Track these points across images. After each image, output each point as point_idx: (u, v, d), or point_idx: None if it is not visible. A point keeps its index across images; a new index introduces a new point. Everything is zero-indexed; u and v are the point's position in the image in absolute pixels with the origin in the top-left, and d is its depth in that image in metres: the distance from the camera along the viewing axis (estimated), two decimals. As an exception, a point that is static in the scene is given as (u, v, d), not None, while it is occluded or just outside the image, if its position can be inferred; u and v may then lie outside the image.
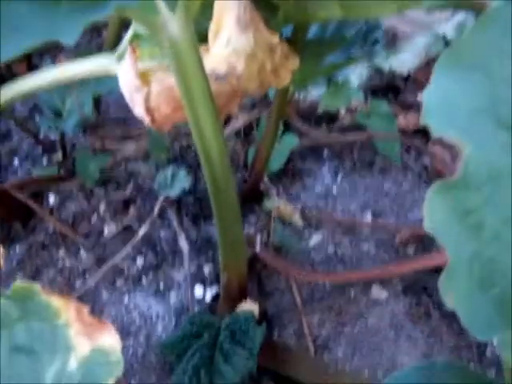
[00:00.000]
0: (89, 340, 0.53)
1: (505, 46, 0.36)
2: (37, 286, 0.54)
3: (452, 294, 0.31)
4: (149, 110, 0.70)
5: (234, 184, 0.74)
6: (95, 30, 1.82)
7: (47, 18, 0.46)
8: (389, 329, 0.96)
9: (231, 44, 0.70)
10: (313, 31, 0.92)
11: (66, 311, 0.54)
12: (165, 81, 0.72)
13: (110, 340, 0.54)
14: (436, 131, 0.33)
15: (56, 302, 0.54)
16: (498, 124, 0.35)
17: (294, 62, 0.75)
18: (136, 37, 0.80)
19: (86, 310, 0.54)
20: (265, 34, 0.72)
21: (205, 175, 0.72)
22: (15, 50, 0.42)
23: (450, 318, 0.95)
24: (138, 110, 0.71)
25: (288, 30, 0.84)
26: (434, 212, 0.32)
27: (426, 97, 0.34)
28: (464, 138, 0.34)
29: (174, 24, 0.61)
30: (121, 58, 0.78)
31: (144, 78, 0.74)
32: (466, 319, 0.30)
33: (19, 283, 0.54)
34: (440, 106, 0.35)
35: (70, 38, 0.42)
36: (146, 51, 0.79)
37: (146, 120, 0.71)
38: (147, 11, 0.61)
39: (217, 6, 0.72)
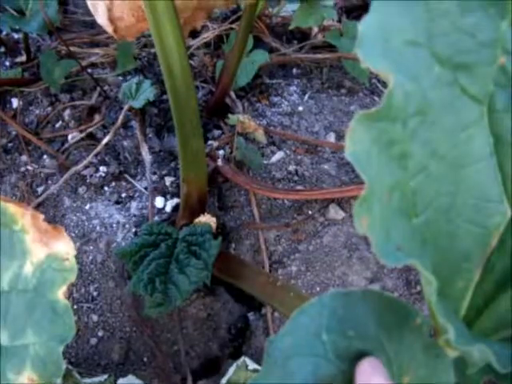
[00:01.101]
0: (44, 246, 0.55)
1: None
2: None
3: (366, 219, 0.32)
4: (112, 20, 0.69)
5: (195, 97, 0.74)
6: None
7: None
8: (342, 248, 0.98)
9: (198, -46, 0.69)
10: None
11: (23, 217, 0.55)
12: (129, -12, 0.71)
13: (64, 247, 0.55)
14: (366, 61, 0.33)
15: (13, 208, 0.55)
16: (434, 58, 0.35)
17: (262, -23, 0.74)
18: None
19: (41, 217, 0.55)
20: None
21: (166, 87, 0.72)
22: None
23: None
24: (101, 19, 0.70)
25: None
26: (355, 141, 0.32)
27: (361, 26, 0.34)
28: (394, 69, 0.34)
29: None
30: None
31: (108, -16, 0.72)
32: (378, 245, 0.32)
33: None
34: (375, 36, 0.34)
35: None
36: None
37: (109, 29, 0.70)
38: None
39: None
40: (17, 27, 1.09)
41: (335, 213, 1.02)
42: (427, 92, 0.35)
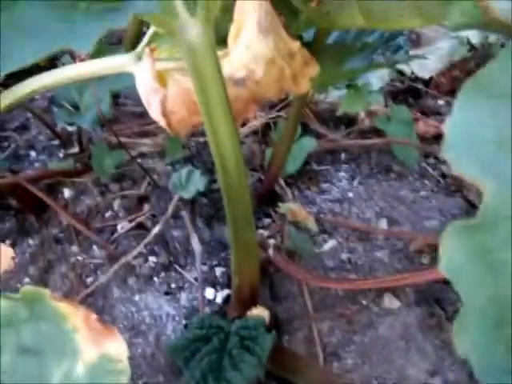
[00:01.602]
0: (96, 346, 0.53)
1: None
2: (45, 291, 0.54)
3: (464, 338, 0.30)
4: (165, 113, 0.70)
5: (248, 190, 0.73)
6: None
7: (63, 24, 0.45)
8: (399, 339, 0.94)
9: (251, 49, 0.69)
10: (334, 35, 0.91)
11: (74, 316, 0.54)
12: (182, 83, 0.71)
13: (117, 348, 0.53)
14: (457, 168, 0.32)
15: (64, 306, 0.54)
16: None
17: (314, 69, 0.74)
18: (155, 36, 0.79)
19: (94, 316, 0.54)
20: (285, 39, 0.71)
21: (219, 179, 0.71)
22: (30, 57, 0.42)
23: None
24: (155, 113, 0.71)
25: (309, 34, 0.82)
26: (450, 255, 0.31)
27: (447, 129, 0.33)
28: (486, 174, 0.32)
29: (192, 28, 0.60)
30: (139, 57, 0.77)
31: (161, 79, 0.73)
32: (478, 367, 0.29)
33: (28, 287, 0.53)
34: (462, 139, 0.33)
35: (85, 45, 0.41)
36: (165, 51, 0.78)
37: (162, 123, 0.70)
38: (166, 14, 0.60)
39: (237, 9, 0.71)
40: (72, 122, 1.12)
41: (390, 302, 0.99)
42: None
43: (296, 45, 0.71)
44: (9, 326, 0.53)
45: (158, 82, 0.71)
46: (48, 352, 0.53)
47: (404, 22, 0.57)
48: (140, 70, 0.74)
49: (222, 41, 0.73)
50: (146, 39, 0.79)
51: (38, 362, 0.53)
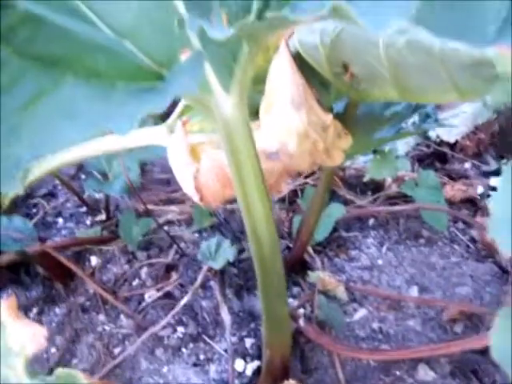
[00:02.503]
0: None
1: None
2: (78, 373, 0.53)
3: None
4: (198, 187, 0.70)
5: (281, 264, 0.72)
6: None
7: (102, 106, 0.45)
8: (437, 413, 0.91)
9: (283, 122, 0.70)
10: (363, 105, 0.92)
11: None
12: (215, 157, 0.72)
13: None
14: (505, 249, 0.31)
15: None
16: None
17: (347, 142, 0.74)
18: (187, 108, 0.80)
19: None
20: (318, 113, 0.71)
21: (251, 251, 0.71)
22: (71, 140, 0.42)
23: (502, 405, 0.91)
24: (187, 186, 0.71)
25: (339, 106, 0.83)
26: (500, 339, 0.30)
27: (493, 208, 0.32)
28: None
29: (227, 104, 0.60)
30: (171, 129, 0.78)
31: (194, 152, 0.73)
32: None
33: (62, 370, 0.52)
34: (507, 218, 0.32)
35: (124, 127, 0.41)
36: (196, 124, 0.79)
37: (195, 197, 0.70)
38: (200, 90, 0.60)
39: (269, 82, 0.72)
40: (100, 190, 1.13)
41: (425, 373, 0.96)
42: None
43: (329, 118, 0.72)
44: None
45: (190, 155, 0.72)
46: None
47: (441, 97, 0.57)
48: (172, 143, 0.74)
49: (254, 112, 0.74)
50: (177, 111, 0.80)
51: None
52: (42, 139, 0.43)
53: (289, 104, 0.70)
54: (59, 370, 0.52)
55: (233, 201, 1.18)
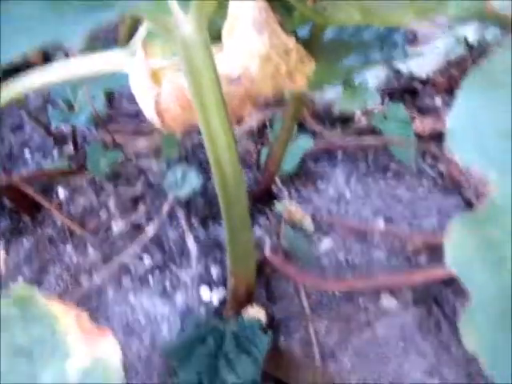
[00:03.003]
0: (88, 347, 0.52)
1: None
2: (36, 291, 0.53)
3: (472, 335, 0.29)
4: (159, 111, 0.69)
5: (244, 190, 0.72)
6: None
7: (54, 17, 0.44)
8: (397, 340, 0.93)
9: (246, 45, 0.68)
10: (330, 33, 0.90)
11: (66, 317, 0.53)
12: (176, 80, 0.70)
13: (109, 349, 0.52)
14: (464, 161, 0.31)
15: (55, 307, 0.53)
16: None
17: (310, 67, 0.73)
18: (149, 33, 0.78)
19: (85, 316, 0.53)
20: (280, 36, 0.70)
21: (214, 179, 0.70)
22: (20, 50, 0.41)
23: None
24: (148, 111, 0.70)
25: (304, 32, 0.81)
26: (455, 249, 0.30)
27: (450, 121, 0.32)
28: (490, 166, 0.31)
29: (186, 25, 0.59)
30: (132, 55, 0.76)
31: (155, 76, 0.72)
32: (489, 365, 0.28)
33: (19, 287, 0.52)
34: (466, 131, 0.32)
35: (74, 39, 0.40)
36: (159, 48, 0.77)
37: (156, 121, 0.69)
38: (159, 11, 0.59)
39: (232, 6, 0.70)
40: (66, 121, 1.11)
41: (388, 302, 0.98)
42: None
43: (291, 41, 0.70)
44: (4, 326, 0.53)
45: (151, 79, 0.70)
46: (39, 353, 0.52)
47: (398, 16, 0.56)
48: (133, 67, 0.73)
49: (216, 36, 0.72)
50: (138, 36, 0.78)
51: (29, 362, 0.52)
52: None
53: (251, 27, 0.68)
54: (16, 288, 0.52)
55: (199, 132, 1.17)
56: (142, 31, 0.77)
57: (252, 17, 0.68)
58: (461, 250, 0.30)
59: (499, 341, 0.30)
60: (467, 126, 0.32)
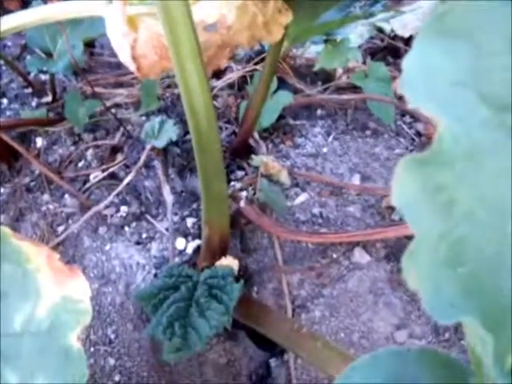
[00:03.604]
0: (58, 287, 0.53)
1: (496, 17, 0.35)
2: (8, 230, 0.53)
3: (414, 273, 0.30)
4: (135, 57, 0.69)
5: (218, 139, 0.72)
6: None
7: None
8: (368, 293, 0.95)
9: (223, -6, 0.68)
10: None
11: (37, 257, 0.53)
12: (153, 28, 0.70)
13: (80, 288, 0.53)
14: (412, 102, 0.31)
15: (27, 247, 0.53)
16: (480, 98, 0.33)
17: (287, 17, 0.73)
18: (128, -21, 0.77)
19: (57, 256, 0.53)
20: (258, -15, 0.69)
21: (189, 127, 0.71)
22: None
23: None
24: (124, 56, 0.70)
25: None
26: (402, 188, 0.30)
27: (405, 64, 0.32)
28: (442, 111, 0.32)
29: (162, -32, 0.59)
30: (110, 0, 0.76)
31: (132, 23, 0.71)
32: (428, 301, 0.29)
33: (-11, 226, 0.53)
34: (419, 75, 0.32)
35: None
36: (138, -5, 0.77)
37: (132, 67, 0.69)
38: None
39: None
40: (44, 68, 1.10)
41: (360, 256, 1.00)
42: (474, 135, 0.33)
43: (269, -10, 0.70)
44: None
45: (128, 25, 0.70)
46: (11, 293, 0.53)
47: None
48: (110, 12, 0.72)
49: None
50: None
51: (1, 303, 0.52)
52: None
53: (229, -26, 0.68)
54: (-15, 226, 0.52)
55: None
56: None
57: (230, -36, 0.68)
58: (407, 189, 0.30)
59: (443, 281, 0.31)
60: (419, 69, 0.33)
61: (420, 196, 0.31)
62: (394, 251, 1.01)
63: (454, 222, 0.33)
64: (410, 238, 0.90)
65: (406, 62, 0.33)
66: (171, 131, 1.01)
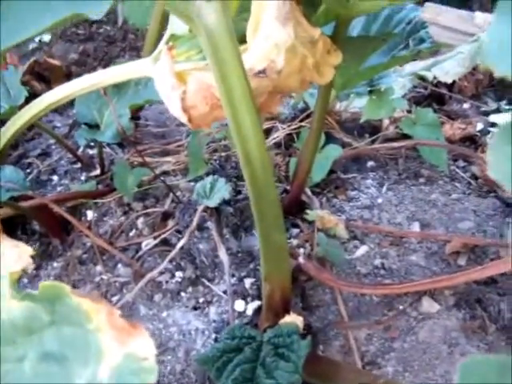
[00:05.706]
0: (121, 345, 0.50)
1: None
2: (66, 286, 0.51)
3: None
4: (185, 109, 0.68)
5: (274, 185, 0.70)
6: (135, 49, 1.83)
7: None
8: (442, 344, 0.90)
9: (270, 38, 0.67)
10: (356, 29, 0.89)
11: (97, 314, 0.51)
12: (202, 79, 0.69)
13: (143, 345, 0.50)
14: (498, 71, 0.30)
15: (86, 304, 0.51)
16: None
17: (337, 58, 0.71)
18: (173, 38, 0.78)
19: (117, 313, 0.51)
20: (305, 27, 0.68)
21: (245, 177, 0.68)
22: (43, 24, 0.40)
23: (508, 330, 0.89)
24: (175, 109, 0.69)
25: (329, 30, 0.80)
26: (497, 161, 0.28)
27: (486, 38, 0.31)
28: None
29: (209, 13, 0.58)
30: (156, 59, 0.76)
31: (180, 77, 0.71)
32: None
33: (47, 283, 0.51)
34: (503, 44, 0.31)
35: (96, 12, 0.39)
36: (183, 53, 0.77)
37: (183, 119, 0.68)
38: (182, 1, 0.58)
39: (254, 3, 0.69)
40: (92, 139, 1.11)
41: (429, 306, 0.95)
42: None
43: (317, 32, 0.69)
44: (30, 332, 0.51)
45: (176, 78, 0.70)
46: (72, 356, 0.50)
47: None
48: (158, 68, 0.72)
49: (242, 40, 0.71)
50: (162, 42, 0.78)
51: (61, 367, 0.50)
52: (19, 22, 0.41)
53: (274, 20, 0.67)
54: (44, 283, 0.50)
55: (228, 148, 1.16)
56: (166, 35, 0.77)
57: (275, 9, 0.67)
58: (502, 162, 0.29)
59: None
60: (501, 41, 0.31)
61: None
62: (465, 297, 0.95)
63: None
64: (479, 283, 0.84)
65: (487, 36, 0.32)
66: (223, 190, 0.99)
